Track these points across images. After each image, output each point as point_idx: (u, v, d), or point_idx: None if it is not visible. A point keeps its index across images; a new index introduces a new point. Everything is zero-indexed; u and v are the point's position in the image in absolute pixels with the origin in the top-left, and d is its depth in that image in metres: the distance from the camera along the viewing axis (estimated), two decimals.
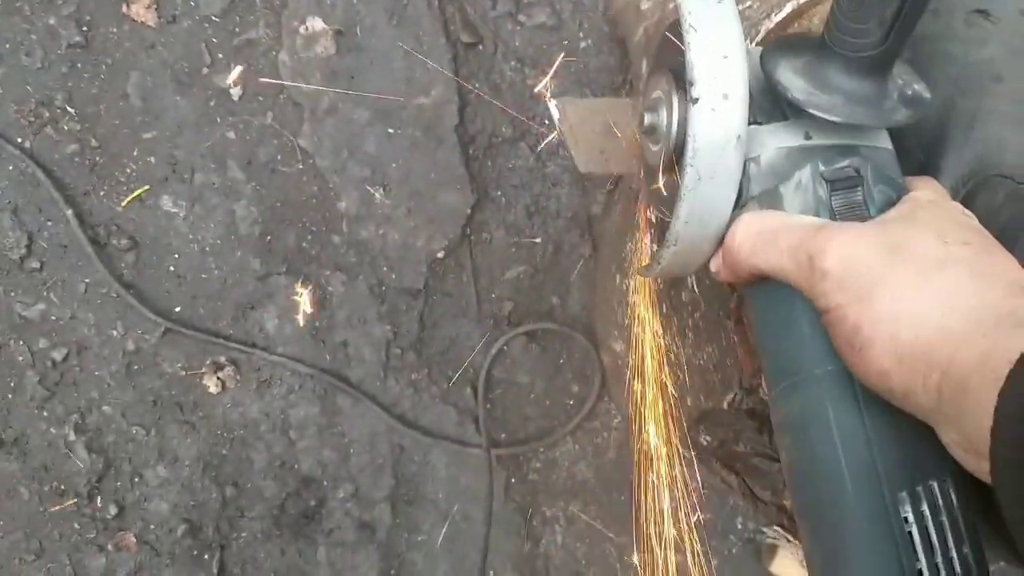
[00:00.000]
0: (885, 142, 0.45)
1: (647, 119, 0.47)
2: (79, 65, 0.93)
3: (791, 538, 0.65)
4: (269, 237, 0.97)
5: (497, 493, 1.02)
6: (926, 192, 0.42)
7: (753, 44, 0.59)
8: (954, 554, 0.36)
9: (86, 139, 0.94)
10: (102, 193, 0.95)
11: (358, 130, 0.96)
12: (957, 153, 0.48)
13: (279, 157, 0.96)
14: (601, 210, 1.02)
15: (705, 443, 0.75)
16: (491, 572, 1.02)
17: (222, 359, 0.98)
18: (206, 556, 0.99)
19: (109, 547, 0.97)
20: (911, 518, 0.36)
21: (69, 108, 0.94)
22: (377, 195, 0.98)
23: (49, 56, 0.93)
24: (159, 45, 0.94)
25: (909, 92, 0.44)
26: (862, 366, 0.36)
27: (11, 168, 0.94)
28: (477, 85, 0.98)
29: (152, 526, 0.98)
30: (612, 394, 1.04)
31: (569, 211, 1.02)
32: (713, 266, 0.46)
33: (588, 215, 1.02)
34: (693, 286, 0.64)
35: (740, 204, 0.44)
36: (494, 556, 1.02)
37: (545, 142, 0.99)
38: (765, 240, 0.41)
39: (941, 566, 0.36)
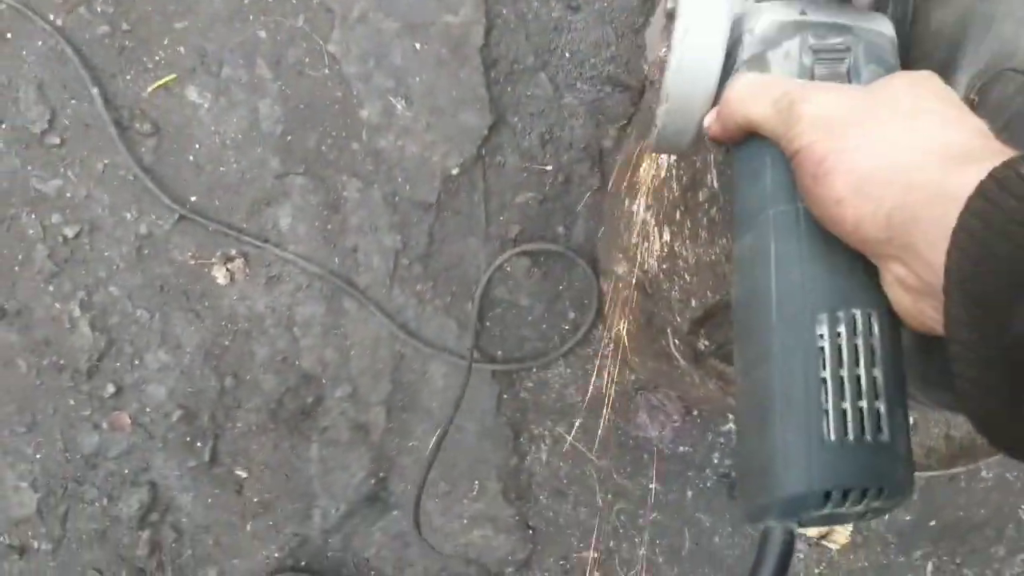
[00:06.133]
0: (886, 29, 0.47)
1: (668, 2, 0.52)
2: None
3: None
4: (290, 137, 1.00)
5: (489, 407, 1.05)
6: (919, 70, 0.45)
7: None
8: (862, 373, 0.37)
9: (118, 22, 0.96)
10: (128, 77, 0.97)
11: (386, 41, 0.99)
12: (974, 51, 0.53)
13: (307, 60, 0.99)
14: (612, 144, 1.06)
15: (703, 347, 0.80)
16: (476, 481, 1.06)
17: (233, 251, 1.00)
18: (199, 443, 1.01)
19: (103, 425, 0.98)
20: (826, 335, 0.37)
21: None
22: (399, 106, 1.01)
23: None
24: None
25: None
26: (821, 196, 0.37)
27: (40, 44, 0.95)
28: (505, 11, 1.02)
29: (148, 409, 1.00)
30: (607, 323, 1.09)
31: (582, 143, 1.06)
32: (706, 121, 0.48)
33: (600, 148, 1.06)
34: (712, 182, 0.69)
35: (732, 70, 0.47)
36: (481, 466, 1.06)
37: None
38: (754, 90, 0.43)
39: (846, 380, 0.37)
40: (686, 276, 0.76)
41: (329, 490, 1.03)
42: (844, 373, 0.37)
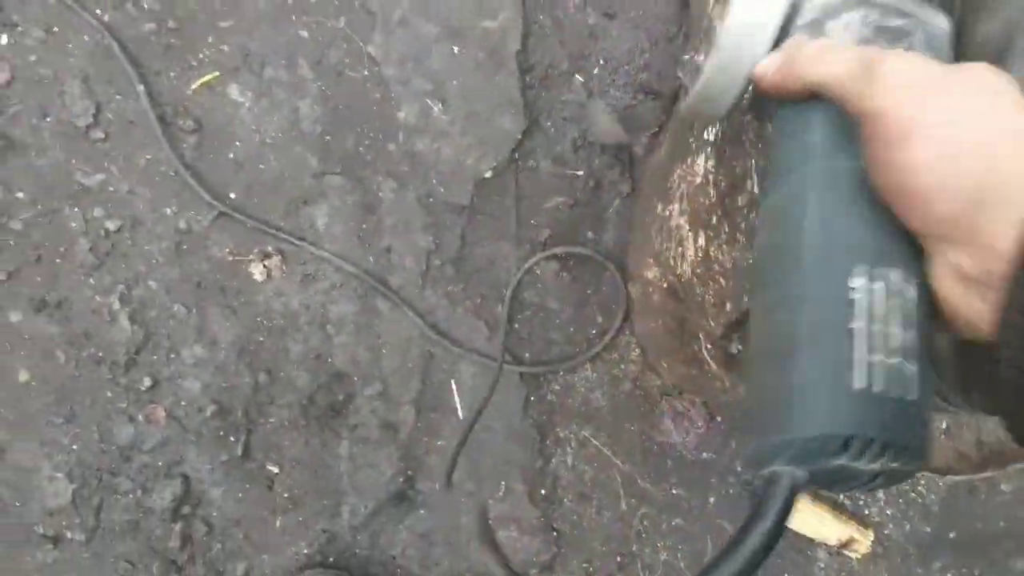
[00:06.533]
0: (943, 24, 0.47)
1: None
2: None
3: None
4: (328, 137, 1.01)
5: (516, 409, 1.07)
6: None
7: None
8: (896, 331, 0.36)
9: (164, 20, 0.98)
10: (173, 74, 0.99)
11: (425, 44, 1.01)
12: (1021, 62, 0.55)
13: (347, 61, 1.01)
14: (643, 151, 1.08)
15: (736, 352, 0.81)
16: (502, 482, 1.07)
17: (270, 248, 1.01)
18: (231, 438, 1.02)
19: (139, 418, 1.00)
20: (861, 287, 0.36)
21: None
22: (435, 109, 1.03)
23: None
24: None
25: None
26: (896, 161, 0.35)
27: (87, 39, 0.97)
28: (542, 16, 1.04)
29: (183, 403, 1.01)
30: (635, 328, 1.10)
31: (613, 149, 1.08)
32: (760, 70, 0.46)
33: (631, 155, 1.08)
34: (753, 187, 0.70)
35: (787, 34, 0.46)
36: (507, 467, 1.07)
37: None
38: (828, 49, 0.42)
39: (877, 334, 0.35)
40: (721, 280, 0.77)
41: (358, 487, 1.04)
42: (877, 327, 0.36)
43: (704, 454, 1.14)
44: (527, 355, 1.07)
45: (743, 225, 0.73)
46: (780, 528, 0.35)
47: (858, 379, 0.35)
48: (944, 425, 0.68)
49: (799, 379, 0.36)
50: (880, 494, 1.20)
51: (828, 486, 0.39)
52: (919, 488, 1.21)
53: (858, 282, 0.36)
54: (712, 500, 1.13)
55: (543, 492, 1.08)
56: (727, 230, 0.76)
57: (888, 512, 1.20)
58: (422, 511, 1.06)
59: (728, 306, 0.76)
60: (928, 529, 1.18)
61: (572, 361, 1.07)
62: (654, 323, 1.00)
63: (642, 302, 1.03)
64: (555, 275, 1.08)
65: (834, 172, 0.40)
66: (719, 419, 1.14)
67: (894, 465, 0.35)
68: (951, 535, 1.18)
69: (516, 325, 1.07)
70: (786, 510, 0.35)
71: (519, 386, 1.06)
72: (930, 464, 0.69)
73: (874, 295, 0.36)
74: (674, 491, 1.12)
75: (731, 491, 1.13)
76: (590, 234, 1.08)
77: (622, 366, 1.10)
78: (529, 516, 1.08)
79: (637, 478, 1.11)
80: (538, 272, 1.06)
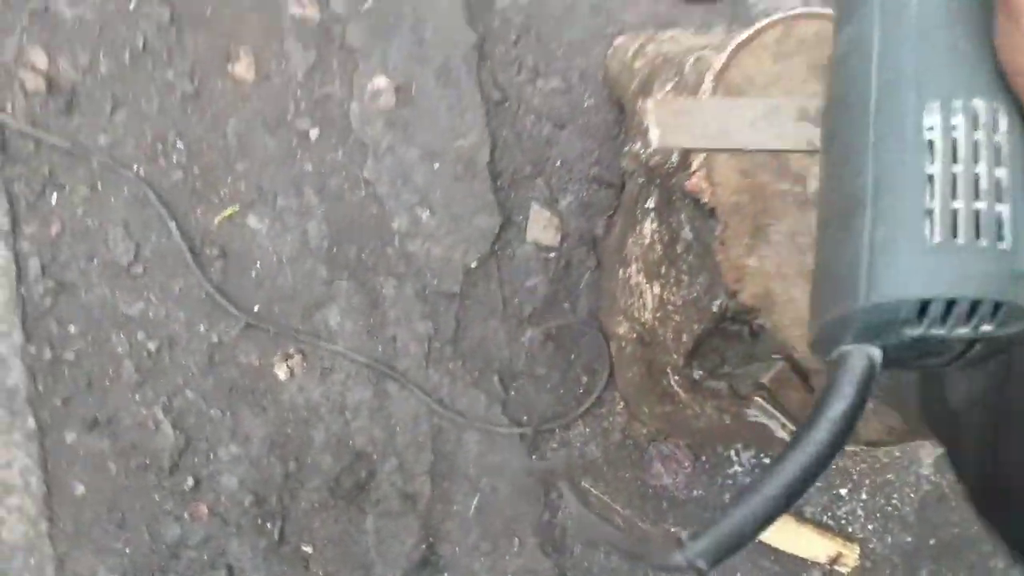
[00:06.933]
0: None
1: None
2: (188, 111, 1.17)
3: (771, 408, 0.83)
4: (335, 249, 1.19)
5: (519, 468, 1.19)
6: None
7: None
8: (982, 170, 0.31)
9: (190, 168, 1.17)
10: (199, 212, 1.17)
11: (410, 165, 1.21)
12: None
13: (346, 186, 1.20)
14: (603, 231, 1.26)
15: (698, 376, 0.96)
16: (516, 539, 1.18)
17: (291, 350, 1.16)
18: (268, 525, 1.12)
19: (184, 516, 1.10)
20: (937, 126, 0.32)
21: (179, 144, 1.17)
22: (424, 216, 1.21)
23: (164, 103, 1.17)
24: (255, 96, 1.19)
25: None
26: None
27: (126, 191, 1.15)
28: (505, 132, 1.25)
29: (223, 498, 1.12)
30: (618, 384, 1.24)
31: (578, 233, 1.26)
32: None
33: (593, 235, 1.27)
34: (687, 234, 0.88)
35: None
36: (517, 523, 1.17)
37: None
38: None
39: (960, 177, 0.31)
40: (675, 317, 0.93)
41: (384, 558, 1.14)
42: (958, 169, 0.31)
43: (695, 492, 1.26)
44: (524, 418, 1.21)
45: (684, 267, 0.90)
46: (852, 417, 0.31)
47: (938, 231, 0.31)
48: (870, 405, 0.83)
49: (867, 240, 0.32)
50: (858, 510, 1.31)
51: (910, 364, 0.35)
52: (893, 501, 1.33)
53: (933, 119, 0.32)
54: None
55: (553, 543, 1.19)
56: (674, 275, 0.93)
57: (870, 527, 1.31)
58: (446, 574, 1.15)
59: (684, 337, 0.92)
60: (909, 539, 1.29)
61: (564, 419, 1.21)
62: (631, 372, 1.15)
63: (619, 356, 1.19)
64: (541, 345, 1.23)
65: (893, 5, 0.36)
66: (703, 458, 1.27)
67: (988, 329, 0.31)
68: (931, 542, 1.29)
69: (512, 392, 1.21)
70: (864, 386, 0.32)
71: (520, 446, 1.19)
72: (859, 439, 0.83)
73: (955, 132, 0.32)
74: (672, 530, 1.23)
75: None
76: (567, 305, 1.25)
77: (610, 419, 1.24)
78: (543, 567, 1.17)
79: (637, 521, 1.22)
80: (526, 343, 1.22)
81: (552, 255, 1.25)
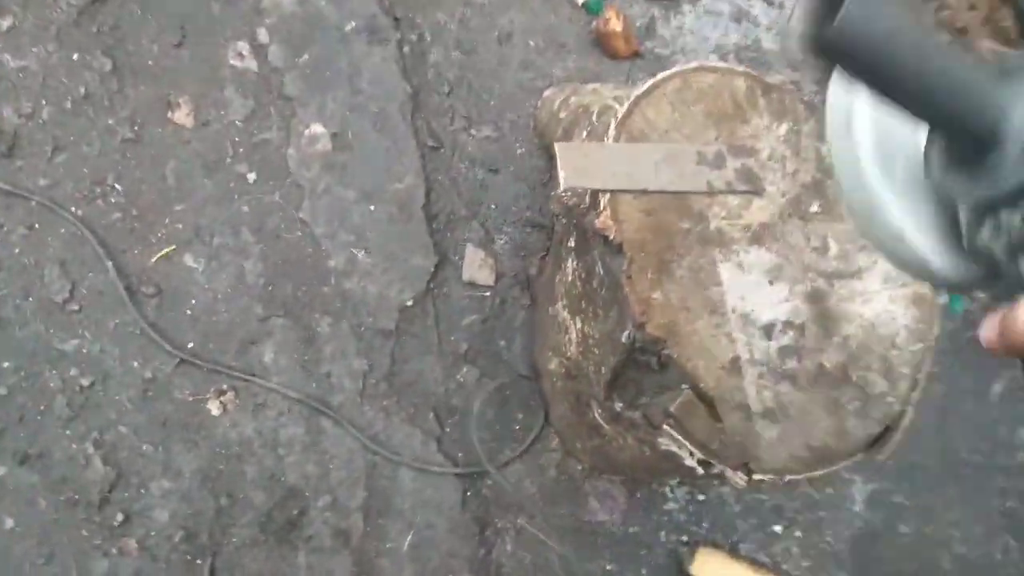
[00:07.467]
0: None
1: None
2: (128, 154, 1.21)
3: (678, 436, 0.85)
4: (271, 287, 1.22)
5: (454, 504, 1.20)
6: None
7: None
8: None
9: (128, 209, 1.20)
10: (136, 251, 1.19)
11: (347, 206, 1.25)
12: None
13: (283, 226, 1.23)
14: (536, 270, 1.30)
15: (619, 408, 0.99)
16: (450, 575, 1.18)
17: (224, 386, 1.18)
18: (199, 561, 1.12)
19: (113, 551, 1.10)
20: None
21: (117, 186, 1.20)
22: (360, 255, 1.25)
23: (105, 147, 1.21)
24: (194, 141, 1.23)
25: None
26: None
27: (63, 231, 1.17)
28: (440, 177, 1.30)
29: (152, 533, 1.12)
30: (552, 420, 1.27)
31: (512, 272, 1.30)
32: (985, 340, 0.41)
33: (527, 275, 1.30)
34: (599, 270, 0.92)
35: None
36: (452, 561, 1.18)
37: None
38: None
39: None
40: (595, 350, 0.97)
41: None
42: None
43: (631, 528, 1.27)
44: (460, 455, 1.23)
45: (600, 301, 0.94)
46: None
47: None
48: (775, 434, 0.86)
49: None
50: (793, 548, 1.34)
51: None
52: (827, 538, 1.35)
53: None
54: (644, 572, 1.26)
55: None
56: (592, 309, 0.97)
57: (804, 564, 1.33)
58: None
59: (603, 369, 0.95)
60: None
61: (500, 459, 1.23)
62: (562, 407, 1.18)
63: (552, 392, 1.22)
64: (477, 383, 1.26)
65: None
66: (638, 494, 1.29)
67: None
68: None
69: (447, 429, 1.23)
70: None
71: (455, 483, 1.21)
72: (765, 468, 0.86)
73: None
74: (608, 567, 1.25)
75: (660, 562, 1.26)
76: (502, 342, 1.28)
77: (545, 455, 1.26)
78: None
79: (573, 558, 1.23)
80: (462, 380, 1.24)
81: (487, 294, 1.28)
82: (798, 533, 1.35)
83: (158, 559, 1.11)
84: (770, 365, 0.86)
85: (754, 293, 0.86)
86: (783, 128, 0.92)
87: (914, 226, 0.40)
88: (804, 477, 0.85)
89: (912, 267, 0.41)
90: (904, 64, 0.32)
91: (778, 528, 1.34)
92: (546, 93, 1.32)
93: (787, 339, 0.87)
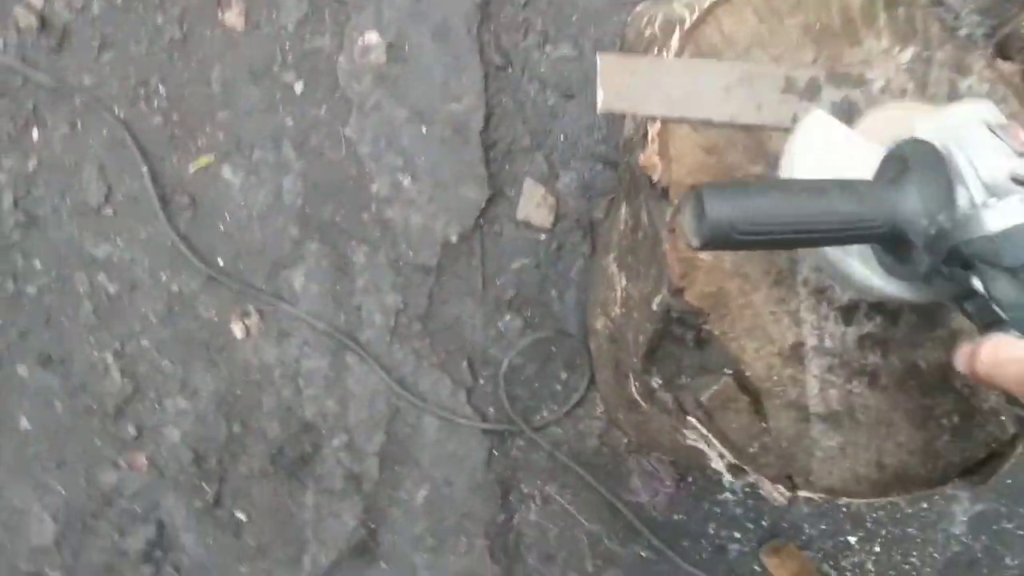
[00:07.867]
0: None
1: None
2: (175, 56, 1.14)
3: (706, 432, 0.71)
4: (308, 209, 1.13)
5: (479, 463, 1.10)
6: None
7: None
8: None
9: (170, 114, 1.14)
10: (175, 159, 1.13)
11: (397, 125, 1.13)
12: None
13: (327, 143, 1.14)
14: (603, 215, 1.15)
15: (656, 385, 0.84)
16: (464, 538, 1.09)
17: (250, 308, 1.11)
18: (205, 485, 1.08)
19: (123, 464, 1.08)
20: None
21: (161, 89, 1.14)
22: (405, 182, 1.13)
23: (152, 47, 1.14)
24: (242, 45, 1.14)
25: None
26: None
27: (104, 132, 1.13)
28: (504, 99, 1.15)
29: (163, 451, 1.09)
30: (598, 384, 1.13)
31: (575, 215, 1.15)
32: (961, 367, 0.48)
33: (591, 219, 1.15)
34: (646, 219, 0.76)
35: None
36: (469, 522, 1.08)
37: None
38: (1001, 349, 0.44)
39: None
40: (635, 314, 0.82)
41: (320, 537, 1.08)
42: None
43: (675, 515, 1.13)
44: (491, 410, 1.12)
45: (642, 256, 0.78)
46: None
47: None
48: (836, 443, 0.69)
49: None
50: (868, 564, 1.15)
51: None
52: (912, 559, 1.15)
53: None
54: (685, 565, 1.11)
55: (505, 549, 1.09)
56: (636, 266, 0.81)
57: None
58: (383, 564, 1.08)
59: (640, 337, 0.80)
60: None
61: (538, 418, 1.11)
62: (606, 372, 1.03)
63: (597, 354, 1.07)
64: (520, 333, 1.13)
65: None
66: (690, 479, 1.14)
67: None
68: None
69: (481, 380, 1.12)
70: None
71: (482, 440, 1.10)
72: (816, 485, 0.69)
73: None
74: (643, 553, 1.11)
75: (704, 556, 1.11)
76: (554, 292, 1.14)
77: (588, 421, 1.13)
78: (490, 574, 1.08)
79: (604, 538, 1.11)
80: (503, 329, 1.12)
81: (543, 237, 1.14)
82: (876, 548, 1.15)
83: (165, 477, 1.07)
84: (844, 357, 0.68)
85: None
86: (907, 54, 0.71)
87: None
88: (865, 503, 0.68)
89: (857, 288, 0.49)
90: (788, 218, 0.42)
91: (853, 539, 1.16)
92: (638, 8, 1.14)
93: (872, 326, 0.68)
